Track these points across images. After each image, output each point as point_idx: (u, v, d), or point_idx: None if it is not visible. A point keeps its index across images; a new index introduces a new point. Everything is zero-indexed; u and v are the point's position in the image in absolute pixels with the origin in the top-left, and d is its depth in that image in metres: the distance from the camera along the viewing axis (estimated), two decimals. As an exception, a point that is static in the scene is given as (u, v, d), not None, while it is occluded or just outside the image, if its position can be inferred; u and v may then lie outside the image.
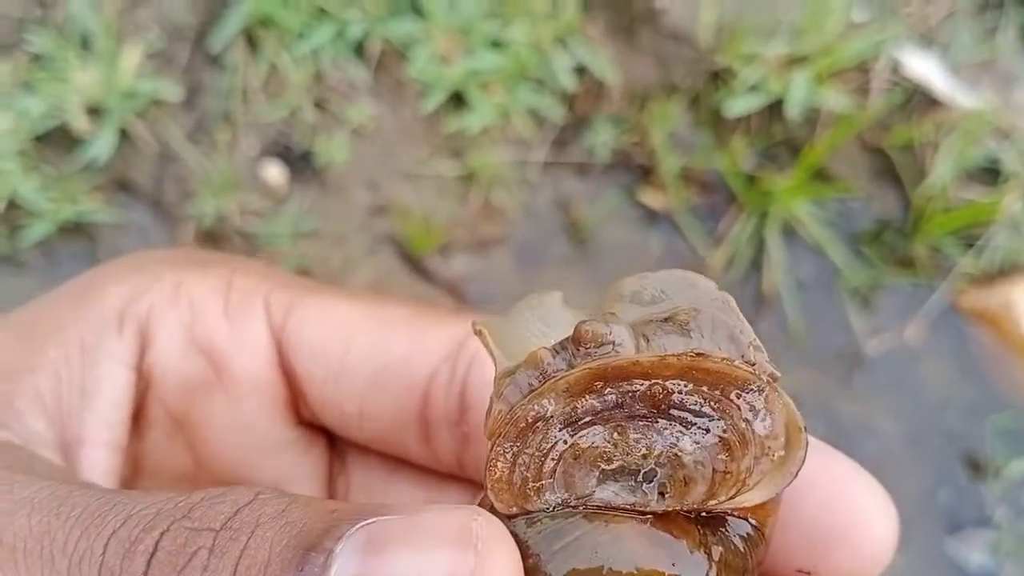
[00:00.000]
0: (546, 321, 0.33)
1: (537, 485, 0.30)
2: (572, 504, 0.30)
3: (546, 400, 0.30)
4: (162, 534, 0.28)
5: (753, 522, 0.31)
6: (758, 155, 1.50)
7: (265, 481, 0.43)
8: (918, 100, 1.49)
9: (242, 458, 0.42)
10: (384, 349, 0.39)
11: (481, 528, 0.27)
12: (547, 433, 0.30)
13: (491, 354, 0.32)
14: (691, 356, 0.30)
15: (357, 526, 0.26)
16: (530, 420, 0.30)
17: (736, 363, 0.30)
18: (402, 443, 0.41)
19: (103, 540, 0.28)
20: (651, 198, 1.51)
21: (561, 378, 0.30)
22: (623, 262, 1.49)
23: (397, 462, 0.44)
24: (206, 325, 0.40)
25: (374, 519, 0.27)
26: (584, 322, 0.30)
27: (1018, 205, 1.45)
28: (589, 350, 0.29)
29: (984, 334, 1.49)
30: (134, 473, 0.42)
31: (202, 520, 0.28)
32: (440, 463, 0.41)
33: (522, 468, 0.30)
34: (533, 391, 0.30)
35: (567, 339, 0.30)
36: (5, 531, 0.29)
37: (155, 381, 0.40)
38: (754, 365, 0.30)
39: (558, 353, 0.30)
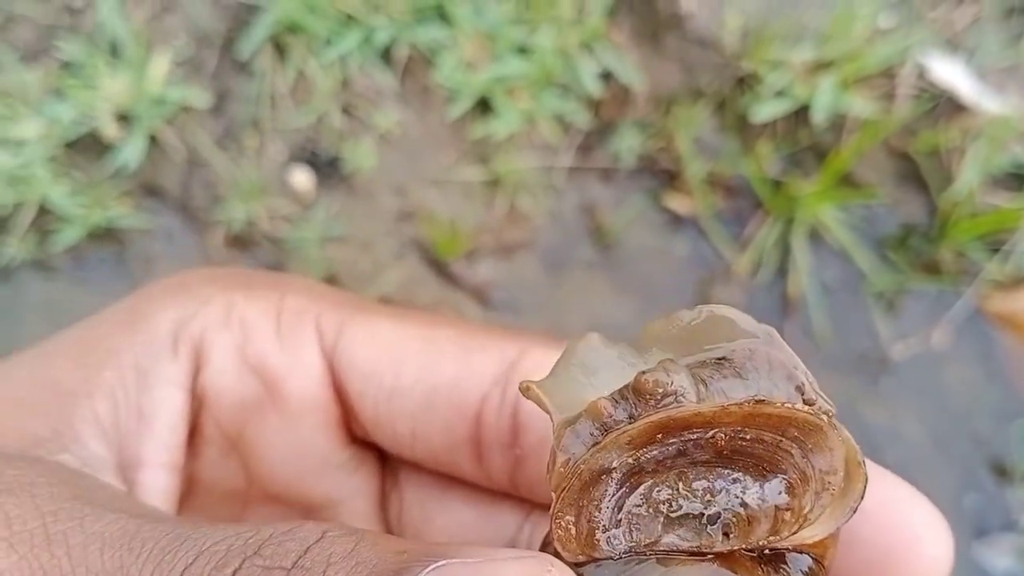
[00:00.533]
0: (590, 367, 0.32)
1: (605, 535, 0.30)
2: (639, 551, 0.31)
3: (610, 453, 0.30)
4: (235, 572, 0.28)
5: (813, 556, 0.32)
6: (784, 160, 1.50)
7: (318, 498, 0.44)
8: (944, 105, 1.49)
9: (296, 476, 0.43)
10: (435, 371, 0.40)
11: (559, 574, 0.27)
12: (611, 484, 0.31)
13: (544, 407, 0.31)
14: (752, 403, 0.30)
15: (429, 568, 0.26)
16: (595, 473, 0.30)
17: (796, 406, 0.30)
18: (454, 463, 0.41)
19: None
20: (676, 203, 1.51)
21: (624, 432, 0.30)
22: (649, 267, 1.49)
23: (450, 479, 0.44)
24: (258, 347, 0.40)
25: (445, 561, 0.27)
26: (645, 372, 0.30)
27: (1044, 210, 1.45)
28: (651, 402, 0.29)
29: (1010, 339, 1.49)
30: (188, 491, 0.42)
31: (272, 559, 0.28)
32: (493, 483, 0.42)
33: (586, 519, 0.30)
34: (597, 444, 0.30)
35: (627, 388, 0.30)
36: (78, 567, 0.30)
37: (209, 401, 0.41)
38: (814, 404, 0.30)
39: (618, 404, 0.30)
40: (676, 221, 1.51)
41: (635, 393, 0.29)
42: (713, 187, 1.51)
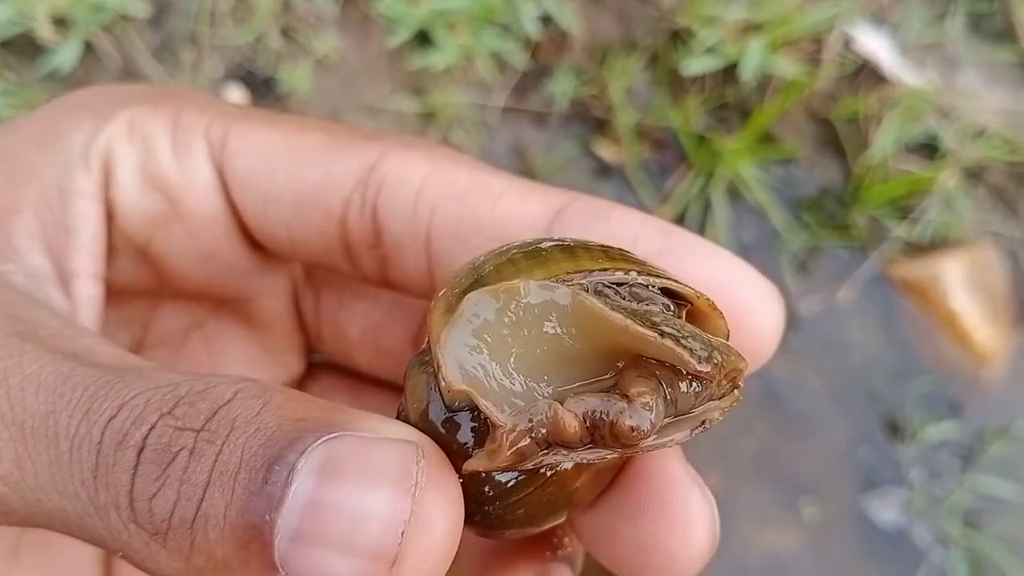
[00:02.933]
0: (520, 324, 0.31)
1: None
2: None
3: (551, 458, 0.30)
4: (150, 429, 0.30)
5: None
6: (710, 116, 1.55)
7: (229, 295, 0.46)
8: (866, 75, 1.55)
9: (205, 280, 0.45)
10: (300, 178, 0.41)
11: (423, 473, 0.29)
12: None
13: (485, 408, 0.30)
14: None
15: (320, 440, 0.28)
16: (541, 470, 0.32)
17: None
18: (333, 264, 0.43)
19: (100, 427, 0.30)
20: (605, 151, 1.55)
21: (591, 463, 0.31)
22: (573, 210, 1.53)
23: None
24: (158, 162, 0.42)
25: (336, 434, 0.29)
26: (627, 416, 0.29)
27: (952, 182, 1.51)
28: (621, 443, 0.29)
29: (911, 303, 1.55)
30: (105, 296, 0.43)
31: (184, 419, 0.30)
32: (369, 280, 0.44)
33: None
34: (547, 455, 0.30)
35: (601, 419, 0.29)
36: (16, 406, 0.32)
37: (118, 213, 0.42)
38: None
39: (588, 432, 0.30)
40: (604, 169, 1.55)
41: (612, 436, 0.29)
42: (641, 138, 1.55)
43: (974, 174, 1.57)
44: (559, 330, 0.30)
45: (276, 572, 0.28)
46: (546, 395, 0.30)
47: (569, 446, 0.30)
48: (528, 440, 0.29)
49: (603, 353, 0.31)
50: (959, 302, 1.55)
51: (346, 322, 0.48)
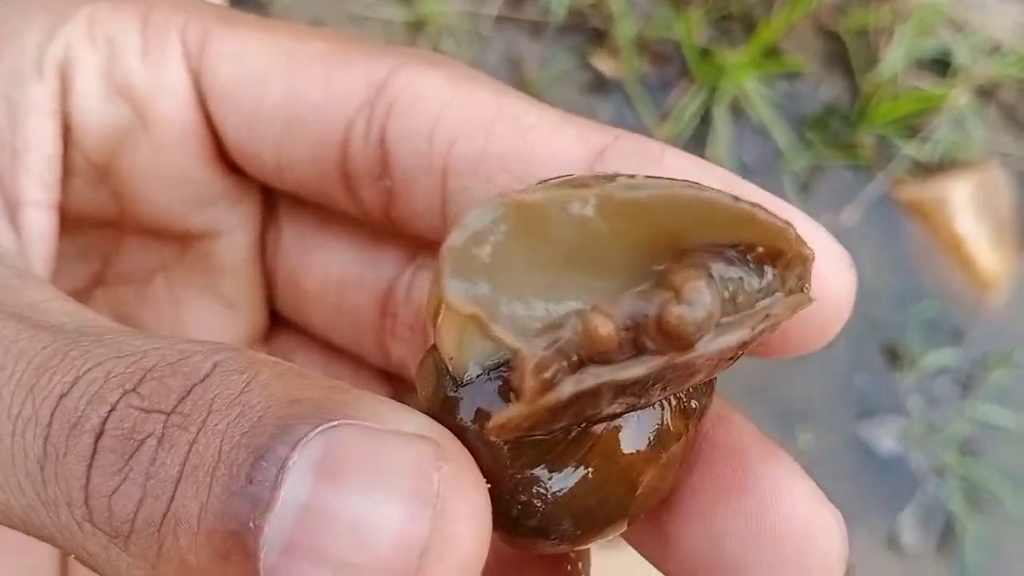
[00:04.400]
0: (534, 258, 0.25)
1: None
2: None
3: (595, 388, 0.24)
4: (110, 411, 0.25)
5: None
6: (713, 28, 1.48)
7: (195, 230, 0.41)
8: (877, -14, 1.48)
9: (170, 207, 0.40)
10: (298, 94, 0.36)
11: (445, 482, 0.24)
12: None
13: (500, 336, 0.24)
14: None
15: (317, 430, 0.23)
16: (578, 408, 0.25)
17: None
18: (326, 195, 0.38)
19: (50, 407, 0.25)
20: (603, 63, 1.48)
21: (624, 376, 0.24)
22: (569, 126, 1.47)
23: (331, 215, 0.41)
24: (124, 67, 0.36)
25: (336, 422, 0.23)
26: (673, 305, 0.23)
27: (963, 100, 1.46)
28: (674, 343, 0.23)
29: (916, 226, 1.51)
30: (59, 228, 0.38)
31: (152, 399, 0.25)
32: (368, 217, 0.38)
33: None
34: (585, 377, 0.24)
35: (641, 317, 0.24)
36: None
37: (75, 127, 0.37)
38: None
39: (628, 338, 0.24)
40: (601, 83, 1.49)
41: (658, 330, 0.23)
42: (641, 50, 1.48)
43: (986, 92, 1.51)
44: (583, 236, 0.24)
45: None
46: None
47: (608, 358, 0.24)
48: (558, 363, 0.23)
49: (638, 256, 0.25)
50: (965, 225, 1.50)
51: (303, 271, 0.42)
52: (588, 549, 0.33)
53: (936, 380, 1.54)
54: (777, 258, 0.25)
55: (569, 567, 0.34)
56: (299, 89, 0.35)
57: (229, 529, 0.23)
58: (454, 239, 0.24)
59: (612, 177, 0.27)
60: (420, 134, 0.34)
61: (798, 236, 0.25)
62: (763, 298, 0.25)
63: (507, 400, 0.25)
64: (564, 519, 0.27)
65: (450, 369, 0.26)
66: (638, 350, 0.24)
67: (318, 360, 0.45)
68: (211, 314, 0.44)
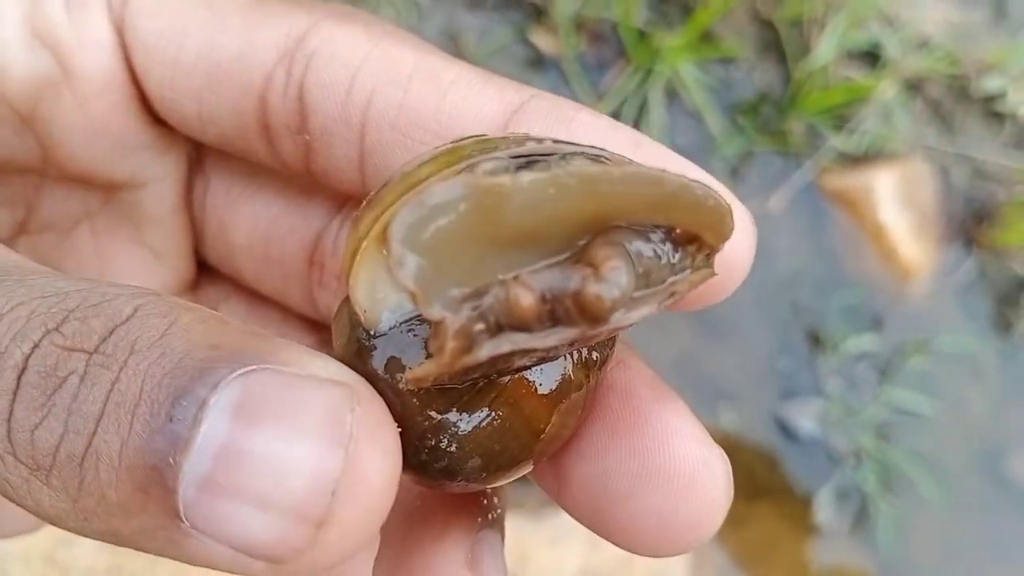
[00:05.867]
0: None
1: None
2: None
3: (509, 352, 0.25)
4: (33, 348, 0.25)
5: None
6: (651, 10, 1.49)
7: (120, 179, 0.41)
8: (812, -23, 1.50)
9: (94, 157, 0.39)
10: (217, 46, 0.36)
11: (358, 423, 0.25)
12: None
13: (422, 302, 0.25)
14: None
15: (235, 373, 0.24)
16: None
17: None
18: (248, 148, 0.38)
19: None
20: (541, 40, 1.49)
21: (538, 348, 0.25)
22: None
23: (258, 165, 0.41)
24: (46, 17, 0.36)
25: (254, 366, 0.24)
26: (591, 282, 0.24)
27: (891, 92, 1.49)
28: (589, 322, 0.24)
29: (841, 214, 1.54)
30: None
31: (74, 338, 0.25)
32: (290, 170, 0.38)
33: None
34: (502, 343, 0.25)
35: (560, 293, 0.24)
36: None
37: None
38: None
39: (547, 311, 0.25)
40: (539, 59, 1.49)
41: (576, 305, 0.24)
42: (579, 29, 1.49)
43: (913, 86, 1.55)
44: (532, 217, 0.25)
45: (178, 521, 0.24)
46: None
47: (526, 327, 0.24)
48: (478, 325, 0.24)
49: (573, 233, 0.26)
50: (888, 216, 1.54)
51: (231, 223, 0.43)
52: (501, 487, 0.34)
53: (856, 365, 1.58)
54: (694, 239, 0.26)
55: (485, 501, 0.35)
56: (218, 42, 0.35)
57: (149, 464, 0.24)
58: (408, 214, 0.24)
59: (522, 140, 0.28)
60: (338, 88, 0.34)
61: (730, 216, 0.26)
62: (673, 275, 0.26)
63: (420, 351, 0.26)
64: (470, 461, 0.29)
65: (363, 320, 0.27)
66: (555, 321, 0.25)
67: (245, 309, 0.45)
68: (136, 263, 0.44)
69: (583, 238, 0.26)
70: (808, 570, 1.55)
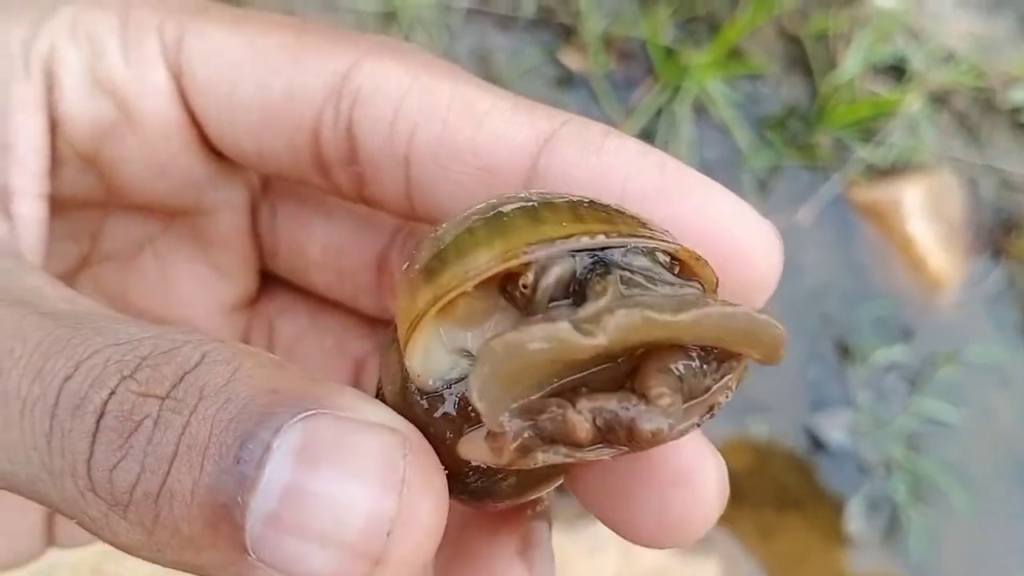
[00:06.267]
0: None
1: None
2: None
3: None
4: (111, 394, 0.28)
5: None
6: (679, 28, 1.51)
7: (183, 208, 0.43)
8: (838, -8, 1.52)
9: (158, 192, 0.42)
10: (267, 87, 0.38)
11: (410, 469, 0.27)
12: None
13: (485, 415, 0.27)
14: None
15: (296, 418, 0.27)
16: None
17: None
18: (305, 179, 0.40)
19: (55, 389, 0.28)
20: (571, 59, 1.51)
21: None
22: (536, 120, 1.50)
23: (318, 195, 0.44)
24: (107, 66, 0.38)
25: (312, 411, 0.27)
26: (645, 420, 0.26)
27: (917, 105, 1.51)
28: (637, 447, 0.27)
29: (869, 227, 1.56)
30: (49, 216, 0.40)
31: (148, 384, 0.28)
32: (346, 198, 0.41)
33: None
34: (561, 455, 0.27)
35: (615, 420, 0.27)
36: None
37: (62, 121, 0.39)
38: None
39: (600, 435, 0.27)
40: (568, 78, 1.52)
41: (628, 436, 0.27)
42: (608, 47, 1.51)
43: (939, 99, 1.56)
44: (570, 356, 0.28)
45: (245, 554, 0.27)
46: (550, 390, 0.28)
47: (579, 446, 0.27)
48: (536, 441, 0.27)
49: (618, 352, 0.28)
50: (916, 228, 1.55)
51: (306, 240, 0.45)
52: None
53: (885, 376, 1.59)
54: (733, 356, 0.29)
55: (535, 506, 0.38)
56: (268, 83, 0.37)
57: (219, 502, 0.26)
58: (487, 376, 0.27)
59: (569, 213, 0.29)
60: (383, 123, 0.36)
61: (784, 344, 0.28)
62: (712, 385, 0.29)
63: (466, 418, 0.29)
64: (506, 483, 0.32)
65: (415, 381, 0.30)
66: (606, 443, 0.27)
67: (307, 319, 0.47)
68: (202, 281, 0.46)
69: (639, 350, 0.28)
70: (840, 580, 1.56)
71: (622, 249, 0.29)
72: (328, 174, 0.39)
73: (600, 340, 0.26)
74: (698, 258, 0.30)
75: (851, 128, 1.52)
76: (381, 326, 0.46)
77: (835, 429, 1.57)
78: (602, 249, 0.29)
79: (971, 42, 1.53)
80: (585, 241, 0.28)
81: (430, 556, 0.29)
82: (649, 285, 0.28)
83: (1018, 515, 1.64)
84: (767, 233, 0.34)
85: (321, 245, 0.45)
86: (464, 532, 0.38)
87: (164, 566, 0.28)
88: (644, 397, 0.27)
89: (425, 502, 0.28)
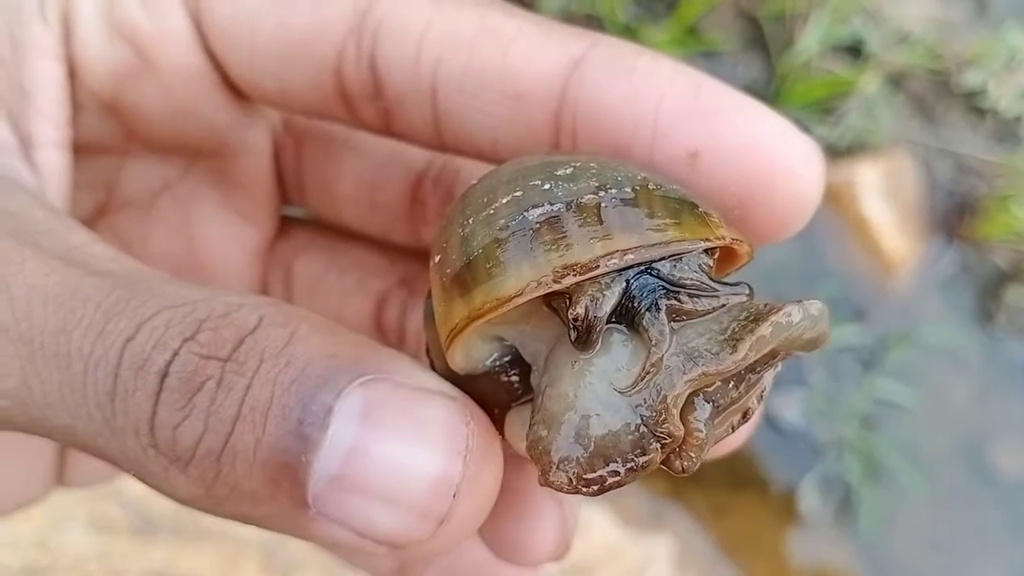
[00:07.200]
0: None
1: None
2: None
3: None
4: (174, 355, 0.28)
5: None
6: (637, 5, 1.51)
7: (206, 150, 0.43)
8: (796, -28, 1.52)
9: (179, 135, 0.41)
10: (288, 25, 0.37)
11: (473, 436, 0.29)
12: None
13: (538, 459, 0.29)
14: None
15: (356, 382, 0.28)
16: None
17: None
18: (332, 116, 0.40)
19: (118, 349, 0.28)
20: (528, 35, 1.51)
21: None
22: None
23: (346, 130, 0.43)
24: (124, 11, 0.38)
25: (372, 376, 0.28)
26: (676, 460, 0.29)
27: (873, 86, 1.51)
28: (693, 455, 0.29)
29: (824, 207, 1.56)
30: (71, 165, 0.40)
31: (209, 347, 0.28)
32: (373, 131, 0.40)
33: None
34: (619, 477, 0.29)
35: (657, 433, 0.28)
36: (22, 321, 0.29)
37: (80, 69, 0.38)
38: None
39: (644, 445, 0.29)
40: (526, 54, 1.51)
41: (664, 464, 0.29)
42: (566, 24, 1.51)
43: (895, 80, 1.57)
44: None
45: (306, 509, 0.28)
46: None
47: (634, 468, 0.29)
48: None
49: None
50: (871, 208, 1.56)
51: (336, 177, 0.45)
52: None
53: (839, 356, 1.60)
54: (771, 357, 0.30)
55: None
56: (288, 21, 0.37)
57: (282, 461, 0.27)
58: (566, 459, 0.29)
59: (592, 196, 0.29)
60: (406, 56, 0.36)
61: (825, 335, 0.31)
62: (747, 392, 0.30)
63: (510, 395, 0.32)
64: None
65: (457, 371, 0.32)
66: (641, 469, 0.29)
67: (326, 256, 0.47)
68: (223, 225, 0.46)
69: None
70: (792, 559, 1.57)
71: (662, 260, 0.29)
72: (354, 109, 0.39)
73: (671, 428, 0.28)
74: (738, 240, 0.30)
75: (808, 108, 1.52)
76: (411, 257, 0.46)
77: (789, 409, 1.57)
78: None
79: (928, 24, 1.53)
80: (614, 264, 0.28)
81: (488, 513, 0.30)
82: (696, 307, 0.29)
83: (970, 496, 1.66)
84: (808, 150, 0.34)
85: (353, 180, 0.45)
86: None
87: (220, 516, 0.30)
88: (678, 433, 0.28)
89: (487, 467, 0.29)
